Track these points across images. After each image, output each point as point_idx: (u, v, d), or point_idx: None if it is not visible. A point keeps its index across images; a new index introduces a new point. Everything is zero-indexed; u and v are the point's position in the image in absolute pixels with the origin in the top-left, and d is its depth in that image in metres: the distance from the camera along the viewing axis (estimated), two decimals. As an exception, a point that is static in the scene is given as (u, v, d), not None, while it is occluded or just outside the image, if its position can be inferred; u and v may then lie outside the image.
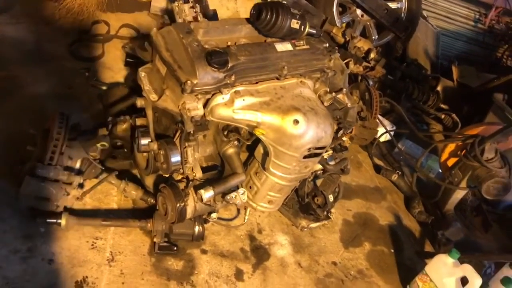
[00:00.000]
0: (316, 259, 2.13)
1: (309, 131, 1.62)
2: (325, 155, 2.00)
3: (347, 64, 2.45)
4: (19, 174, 1.70)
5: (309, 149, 1.66)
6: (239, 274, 1.92)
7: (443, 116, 3.54)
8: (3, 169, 1.82)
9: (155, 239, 1.82)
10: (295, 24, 1.69)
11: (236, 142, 1.76)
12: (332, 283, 2.06)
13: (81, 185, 1.81)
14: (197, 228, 1.86)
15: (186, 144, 1.65)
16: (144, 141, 1.74)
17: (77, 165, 1.79)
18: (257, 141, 1.74)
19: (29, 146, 1.76)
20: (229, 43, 1.66)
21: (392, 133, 2.91)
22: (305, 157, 1.68)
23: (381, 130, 2.82)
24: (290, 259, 2.08)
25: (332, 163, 2.07)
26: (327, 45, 1.85)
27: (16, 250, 1.64)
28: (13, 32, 2.70)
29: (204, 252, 1.94)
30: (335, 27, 3.16)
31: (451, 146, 2.49)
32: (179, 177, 1.76)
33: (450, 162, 2.48)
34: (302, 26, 1.72)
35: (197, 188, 1.69)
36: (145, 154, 1.85)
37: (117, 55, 2.83)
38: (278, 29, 1.67)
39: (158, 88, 1.68)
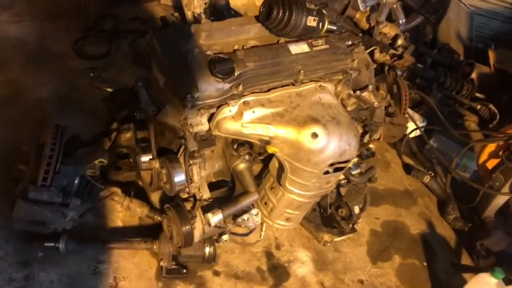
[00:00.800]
0: (341, 277, 1.94)
1: (330, 145, 1.43)
2: (349, 164, 1.79)
3: (372, 53, 2.22)
4: (12, 195, 1.58)
5: (331, 164, 1.46)
6: (255, 299, 1.76)
7: (479, 107, 3.22)
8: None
9: (162, 263, 1.67)
10: (311, 21, 1.46)
11: (247, 157, 1.57)
12: (358, 305, 1.88)
13: (79, 206, 1.66)
14: (207, 250, 1.71)
15: (191, 162, 1.47)
16: (145, 158, 1.56)
17: (74, 185, 1.63)
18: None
19: (21, 165, 1.61)
20: (236, 47, 1.45)
21: (423, 129, 2.66)
22: (326, 172, 1.48)
23: (411, 126, 2.57)
24: (312, 279, 1.90)
25: (357, 171, 1.86)
26: (350, 42, 1.61)
27: (11, 279, 1.55)
28: (16, 31, 2.64)
29: (216, 274, 1.78)
30: (359, 11, 2.91)
31: (491, 146, 2.23)
32: (186, 195, 1.59)
33: (490, 164, 2.22)
34: (320, 23, 1.49)
35: (205, 209, 1.52)
36: (148, 169, 1.68)
37: (125, 52, 2.66)
38: (292, 29, 1.45)
39: (157, 100, 1.50)
